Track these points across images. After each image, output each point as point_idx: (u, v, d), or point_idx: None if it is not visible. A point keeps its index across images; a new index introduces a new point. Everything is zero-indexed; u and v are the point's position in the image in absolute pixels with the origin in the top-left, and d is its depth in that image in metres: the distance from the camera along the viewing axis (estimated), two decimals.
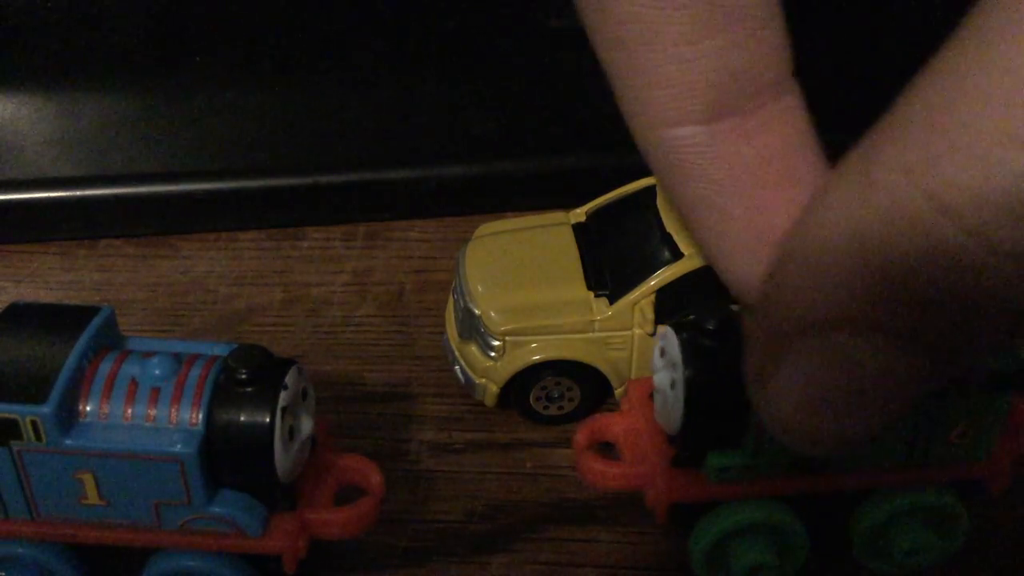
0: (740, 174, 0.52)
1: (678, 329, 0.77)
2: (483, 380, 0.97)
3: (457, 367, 0.99)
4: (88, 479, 0.74)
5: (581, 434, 0.84)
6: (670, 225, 0.95)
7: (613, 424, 0.85)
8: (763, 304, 0.49)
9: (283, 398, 0.74)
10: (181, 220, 1.24)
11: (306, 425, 0.77)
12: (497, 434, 0.98)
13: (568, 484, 0.93)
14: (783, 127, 0.52)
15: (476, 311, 0.96)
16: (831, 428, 0.49)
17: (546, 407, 0.98)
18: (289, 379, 0.75)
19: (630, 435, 0.83)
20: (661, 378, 0.78)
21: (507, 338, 0.95)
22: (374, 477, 0.81)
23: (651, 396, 0.82)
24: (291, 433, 0.75)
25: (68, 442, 0.73)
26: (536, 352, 0.95)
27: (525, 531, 0.89)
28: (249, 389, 0.74)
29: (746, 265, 0.53)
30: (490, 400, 0.97)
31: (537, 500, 0.92)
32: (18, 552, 0.79)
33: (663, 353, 0.79)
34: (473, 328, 0.97)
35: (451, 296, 1.03)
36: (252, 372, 0.74)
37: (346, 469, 0.82)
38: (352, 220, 1.26)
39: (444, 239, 1.22)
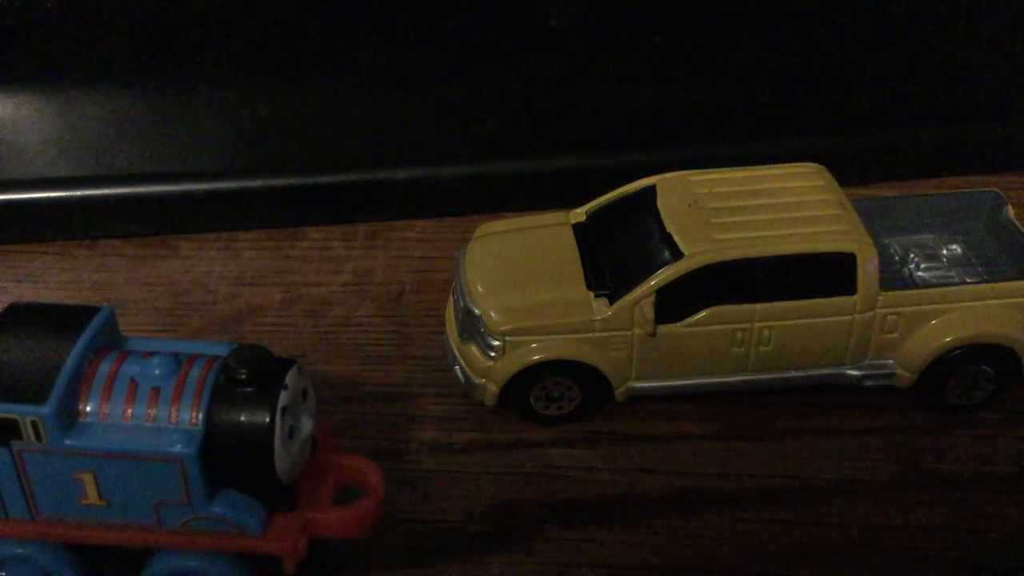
0: None
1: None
2: (483, 380, 0.97)
3: (457, 367, 0.99)
4: (88, 479, 0.74)
5: None
6: (670, 225, 0.95)
7: None
8: None
9: (283, 398, 0.74)
10: (181, 220, 1.24)
11: (306, 425, 0.77)
12: (497, 434, 0.98)
13: (568, 484, 0.93)
14: None
15: (476, 311, 0.96)
16: None
17: (546, 407, 0.98)
18: (289, 379, 0.75)
19: None
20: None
21: (507, 338, 0.95)
22: (374, 477, 0.81)
23: None
24: (291, 433, 0.75)
25: (68, 442, 0.73)
26: (536, 352, 0.95)
27: (525, 531, 0.89)
28: (249, 389, 0.74)
29: None
30: (490, 400, 0.97)
31: (537, 500, 0.92)
32: (18, 552, 0.79)
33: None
34: (473, 328, 0.97)
35: (451, 296, 1.03)
36: (252, 372, 0.74)
37: (346, 469, 0.82)
38: (352, 220, 1.26)
39: (444, 239, 1.22)
